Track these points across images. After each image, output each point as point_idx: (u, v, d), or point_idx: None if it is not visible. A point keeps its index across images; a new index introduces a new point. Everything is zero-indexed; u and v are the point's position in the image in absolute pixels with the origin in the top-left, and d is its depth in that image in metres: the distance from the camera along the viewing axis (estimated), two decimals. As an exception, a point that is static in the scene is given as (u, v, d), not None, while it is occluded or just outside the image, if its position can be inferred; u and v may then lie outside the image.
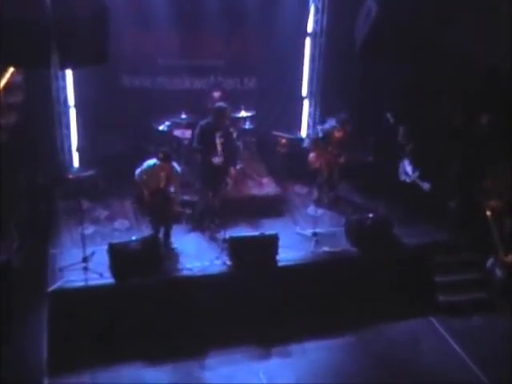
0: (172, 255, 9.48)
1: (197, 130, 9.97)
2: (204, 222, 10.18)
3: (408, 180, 10.67)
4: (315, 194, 11.27)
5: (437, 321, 9.69)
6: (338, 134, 10.71)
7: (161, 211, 9.41)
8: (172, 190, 9.40)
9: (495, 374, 8.39)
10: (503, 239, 8.61)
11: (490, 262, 8.96)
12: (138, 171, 9.35)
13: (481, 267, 9.70)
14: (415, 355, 8.98)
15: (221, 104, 9.91)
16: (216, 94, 11.30)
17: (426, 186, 10.33)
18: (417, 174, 10.52)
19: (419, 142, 10.81)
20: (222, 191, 10.13)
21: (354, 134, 10.78)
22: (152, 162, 9.25)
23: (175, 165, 9.34)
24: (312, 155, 10.90)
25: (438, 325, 9.61)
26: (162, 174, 9.23)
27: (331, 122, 10.79)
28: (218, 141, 9.64)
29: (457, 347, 9.13)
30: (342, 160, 10.71)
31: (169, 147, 10.74)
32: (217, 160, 9.68)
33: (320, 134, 10.81)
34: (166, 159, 9.10)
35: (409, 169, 10.65)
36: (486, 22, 9.47)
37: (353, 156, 10.71)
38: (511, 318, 9.10)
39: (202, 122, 9.93)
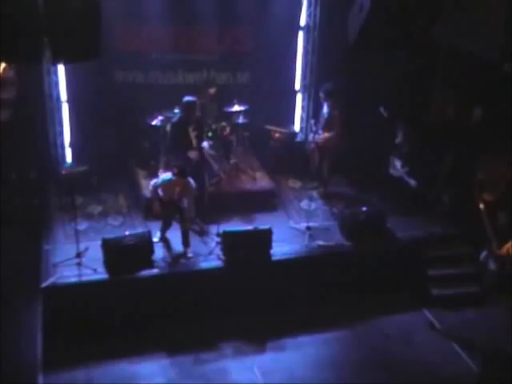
0: (165, 250, 9.49)
1: (169, 128, 10.04)
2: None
3: (395, 174, 10.74)
4: (311, 183, 11.34)
5: (430, 314, 9.73)
6: (325, 110, 10.86)
7: (171, 221, 9.48)
8: (185, 203, 9.38)
9: (487, 367, 8.44)
10: (496, 232, 8.63)
11: (483, 255, 8.98)
12: (152, 184, 9.35)
13: (474, 260, 9.72)
14: (409, 348, 9.02)
15: (188, 98, 9.91)
16: (211, 91, 11.30)
17: (412, 182, 10.49)
18: (405, 170, 10.60)
19: (415, 144, 10.84)
20: (207, 186, 10.12)
21: (344, 109, 10.86)
22: (168, 176, 9.22)
23: (190, 180, 9.30)
24: (310, 137, 11.08)
25: (432, 318, 9.65)
26: (177, 189, 9.22)
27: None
28: (192, 134, 9.68)
29: (451, 340, 9.17)
30: (331, 138, 10.82)
31: (162, 142, 10.79)
32: (193, 155, 9.71)
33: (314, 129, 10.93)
34: (181, 174, 9.09)
35: (398, 164, 10.72)
36: (480, 13, 9.46)
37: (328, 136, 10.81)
38: (504, 311, 9.12)
39: (173, 119, 10.07)
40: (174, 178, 9.14)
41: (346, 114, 10.88)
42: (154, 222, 9.87)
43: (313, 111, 12.17)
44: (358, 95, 11.68)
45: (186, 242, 9.41)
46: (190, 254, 9.41)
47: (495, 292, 9.17)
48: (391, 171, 10.92)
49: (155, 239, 9.46)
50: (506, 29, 8.92)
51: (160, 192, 9.27)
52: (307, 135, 12.04)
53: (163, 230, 9.66)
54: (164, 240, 9.66)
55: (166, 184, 9.22)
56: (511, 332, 8.42)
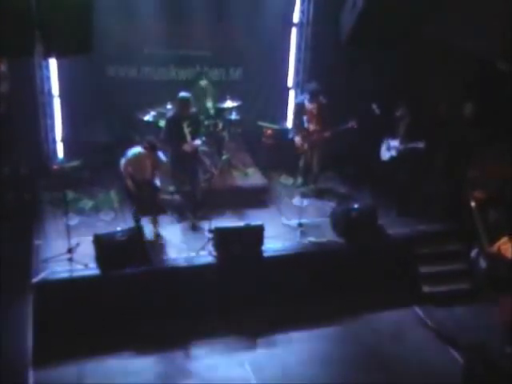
0: (157, 246, 9.46)
1: (164, 124, 10.04)
2: (185, 212, 10.18)
3: (395, 154, 10.61)
4: (299, 180, 11.34)
5: (422, 311, 9.77)
6: (310, 107, 10.76)
7: (148, 203, 9.41)
8: (158, 181, 9.42)
9: (478, 363, 8.47)
10: (487, 229, 8.65)
11: (474, 252, 9.00)
12: (122, 161, 9.30)
13: (465, 257, 9.75)
14: (400, 345, 9.05)
15: (183, 94, 9.88)
16: (203, 83, 11.27)
17: (420, 144, 10.27)
18: (406, 145, 10.48)
19: (416, 116, 10.76)
20: (200, 181, 10.13)
21: (330, 106, 10.80)
22: (137, 150, 9.24)
23: (160, 154, 9.33)
24: (297, 139, 10.95)
25: (423, 315, 9.69)
26: (148, 163, 9.24)
27: (302, 96, 10.86)
28: (187, 130, 9.69)
29: (442, 337, 9.21)
30: (327, 135, 10.75)
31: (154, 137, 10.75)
32: (187, 147, 9.70)
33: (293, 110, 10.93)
34: (150, 148, 9.13)
35: (395, 143, 10.60)
36: (473, 11, 9.48)
37: (336, 128, 10.73)
38: (494, 308, 9.16)
39: (168, 115, 10.05)
40: (143, 151, 9.16)
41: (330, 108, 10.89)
42: (146, 217, 9.90)
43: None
44: (351, 92, 11.69)
45: (155, 221, 9.52)
46: (159, 232, 9.52)
47: (486, 289, 9.20)
48: (387, 155, 10.76)
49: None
50: (505, 28, 8.96)
51: (131, 170, 9.25)
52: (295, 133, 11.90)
53: (137, 215, 9.60)
54: (138, 222, 9.62)
55: (135, 159, 9.23)
56: (501, 329, 8.46)
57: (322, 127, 10.78)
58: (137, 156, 9.22)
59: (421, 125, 10.75)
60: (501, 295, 8.33)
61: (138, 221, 9.47)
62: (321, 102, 10.73)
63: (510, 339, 8.06)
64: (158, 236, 9.59)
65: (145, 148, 9.13)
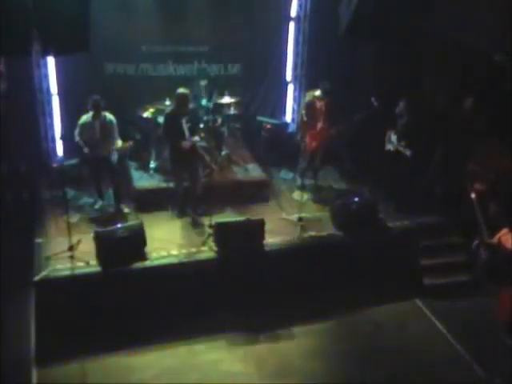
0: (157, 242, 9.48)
1: (163, 120, 10.05)
2: (186, 208, 10.19)
3: (391, 148, 10.64)
4: (300, 180, 11.31)
5: (423, 303, 9.78)
6: (319, 104, 10.71)
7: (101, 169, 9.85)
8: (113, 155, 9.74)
9: (480, 355, 8.50)
10: (487, 221, 8.65)
11: (474, 244, 9.00)
12: (76, 131, 9.59)
13: (466, 250, 9.75)
14: (402, 338, 9.06)
15: (181, 90, 9.86)
16: (203, 82, 11.26)
17: (407, 151, 10.34)
18: (402, 143, 10.47)
19: (414, 117, 10.74)
20: (200, 177, 10.13)
21: (336, 104, 10.78)
22: (86, 115, 9.49)
23: (108, 114, 9.57)
24: (307, 140, 10.90)
25: (424, 307, 9.70)
26: (97, 125, 9.46)
27: (311, 94, 10.81)
28: (185, 126, 9.70)
29: (443, 329, 9.23)
30: (333, 132, 10.75)
31: (154, 134, 10.76)
32: (186, 144, 9.70)
33: (303, 111, 10.85)
34: (95, 107, 9.32)
35: (394, 138, 10.62)
36: (473, 6, 9.48)
37: (342, 124, 10.74)
38: (495, 300, 9.17)
39: (167, 111, 10.02)
40: (91, 113, 9.36)
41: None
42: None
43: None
44: (349, 85, 11.69)
45: (118, 197, 9.79)
46: (125, 210, 9.78)
47: (486, 281, 9.21)
48: (387, 147, 10.78)
49: (96, 206, 10.05)
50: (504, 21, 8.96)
51: (85, 137, 9.51)
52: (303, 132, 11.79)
53: (99, 190, 10.09)
54: (101, 196, 10.09)
55: (87, 124, 9.47)
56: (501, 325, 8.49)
57: (328, 124, 10.76)
58: (86, 120, 9.46)
59: (420, 122, 10.75)
60: (501, 290, 8.32)
61: (99, 195, 9.98)
62: (329, 99, 10.69)
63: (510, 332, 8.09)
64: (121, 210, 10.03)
65: (90, 109, 9.32)
